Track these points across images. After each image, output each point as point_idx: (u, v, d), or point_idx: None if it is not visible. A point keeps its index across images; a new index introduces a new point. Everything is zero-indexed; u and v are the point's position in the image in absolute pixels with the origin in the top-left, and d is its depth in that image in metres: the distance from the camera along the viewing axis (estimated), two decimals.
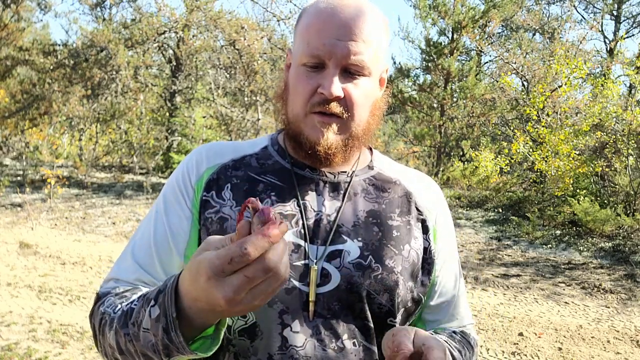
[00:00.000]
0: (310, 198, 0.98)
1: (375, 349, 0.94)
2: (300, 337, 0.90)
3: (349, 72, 0.92)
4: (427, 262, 1.01)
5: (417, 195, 1.05)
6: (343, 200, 0.99)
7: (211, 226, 0.96)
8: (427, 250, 1.01)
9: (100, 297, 0.95)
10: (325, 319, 0.92)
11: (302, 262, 0.93)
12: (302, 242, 0.94)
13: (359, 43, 0.90)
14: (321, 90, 0.91)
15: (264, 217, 0.66)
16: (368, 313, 0.93)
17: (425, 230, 1.02)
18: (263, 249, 0.64)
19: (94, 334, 0.91)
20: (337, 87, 0.90)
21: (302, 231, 0.95)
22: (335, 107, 0.92)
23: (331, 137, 0.94)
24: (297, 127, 0.96)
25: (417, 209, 1.03)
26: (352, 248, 0.95)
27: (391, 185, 1.04)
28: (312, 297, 0.91)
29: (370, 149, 1.11)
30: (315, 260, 0.93)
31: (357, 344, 0.93)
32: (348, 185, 1.01)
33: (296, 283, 0.92)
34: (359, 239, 0.96)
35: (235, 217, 0.95)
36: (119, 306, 0.87)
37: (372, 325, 0.93)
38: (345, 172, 1.02)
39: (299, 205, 0.97)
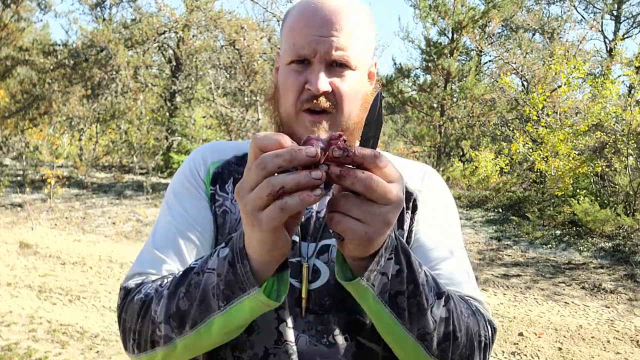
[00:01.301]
0: None
1: (368, 343, 0.93)
2: (294, 332, 0.91)
3: (335, 67, 0.93)
4: (408, 241, 1.00)
5: (408, 178, 1.04)
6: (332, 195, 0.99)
7: (216, 220, 0.98)
8: (410, 229, 1.00)
9: (130, 291, 0.91)
10: (317, 315, 0.92)
11: (296, 259, 0.94)
12: (297, 239, 0.95)
13: (341, 38, 0.92)
14: (308, 87, 0.92)
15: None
16: (360, 307, 0.91)
17: (414, 209, 1.02)
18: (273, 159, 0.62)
19: (127, 327, 0.87)
20: (323, 82, 0.92)
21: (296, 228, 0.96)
22: (324, 102, 0.93)
23: (323, 135, 0.94)
24: (290, 127, 0.97)
25: (408, 192, 1.02)
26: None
27: None
28: (304, 294, 0.92)
29: None
30: (307, 258, 0.94)
31: (349, 338, 0.93)
32: None
33: (291, 280, 0.92)
34: None
35: (235, 211, 0.98)
36: (167, 281, 0.85)
37: (364, 319, 0.93)
38: None
39: None
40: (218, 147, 1.07)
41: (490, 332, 0.91)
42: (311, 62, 0.93)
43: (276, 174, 0.63)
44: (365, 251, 0.71)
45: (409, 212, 1.02)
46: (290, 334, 0.91)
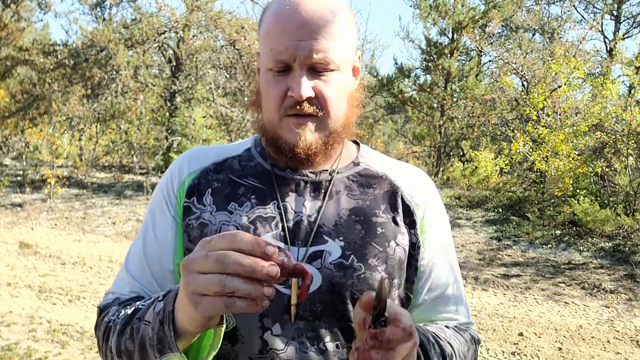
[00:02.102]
0: (291, 199, 0.97)
1: None
2: (281, 340, 0.90)
3: (317, 70, 0.91)
4: (415, 258, 0.99)
5: (405, 189, 1.03)
6: (324, 200, 0.97)
7: (192, 232, 0.97)
8: (414, 246, 0.99)
9: (102, 310, 0.97)
10: (307, 321, 0.91)
11: None
12: (282, 245, 0.93)
13: (320, 40, 0.88)
14: (291, 93, 0.90)
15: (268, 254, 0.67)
16: (351, 314, 0.91)
17: (412, 225, 1.00)
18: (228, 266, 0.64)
19: (99, 344, 0.93)
20: (306, 88, 0.89)
21: (282, 233, 0.94)
22: (308, 108, 0.91)
23: (309, 136, 0.93)
24: (274, 132, 0.95)
25: (405, 203, 1.01)
26: (333, 248, 0.93)
27: (377, 181, 1.02)
28: (293, 300, 0.89)
29: (358, 143, 1.09)
30: None
31: (340, 346, 0.92)
32: (329, 184, 0.99)
33: (279, 287, 0.91)
34: (341, 238, 0.94)
35: (215, 222, 0.96)
36: (123, 312, 0.88)
37: None
38: (327, 170, 1.01)
39: (278, 208, 0.96)
40: (198, 154, 1.06)
41: (477, 351, 1.02)
42: (291, 67, 0.90)
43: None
44: None
45: (407, 227, 1.00)
46: (276, 343, 0.90)
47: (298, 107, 0.91)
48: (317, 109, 0.92)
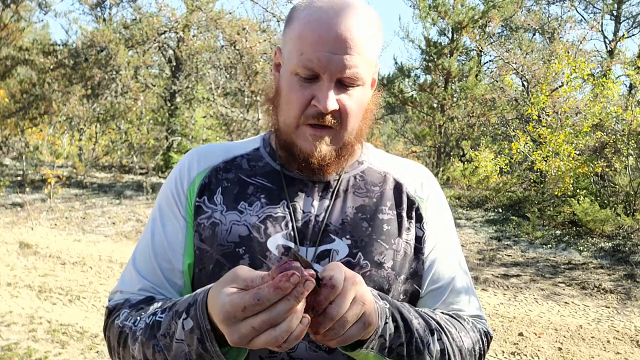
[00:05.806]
0: (300, 199, 0.98)
1: None
2: None
3: (344, 84, 0.91)
4: (422, 251, 1.00)
5: (408, 184, 1.04)
6: (332, 199, 0.99)
7: (203, 232, 0.97)
8: (420, 240, 1.00)
9: (111, 311, 0.96)
10: None
11: None
12: (292, 245, 0.94)
13: (354, 56, 0.88)
14: (316, 104, 0.90)
15: (282, 268, 0.69)
16: None
17: (418, 219, 1.01)
18: (272, 300, 0.67)
19: (111, 346, 0.92)
20: (332, 102, 0.89)
21: (292, 233, 0.95)
22: (330, 120, 0.91)
23: (324, 149, 0.93)
24: (289, 137, 0.95)
25: (409, 199, 1.02)
26: (340, 247, 0.95)
27: (381, 179, 1.04)
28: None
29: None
30: None
31: None
32: (337, 184, 1.00)
33: None
34: (348, 236, 0.95)
35: (226, 222, 0.97)
36: (139, 319, 0.88)
37: None
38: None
39: (288, 208, 0.97)
40: (207, 152, 1.05)
41: (485, 344, 0.99)
42: (320, 77, 0.89)
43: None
44: (372, 329, 0.78)
45: (412, 221, 1.01)
46: None
47: (320, 118, 0.91)
48: (337, 122, 0.93)
